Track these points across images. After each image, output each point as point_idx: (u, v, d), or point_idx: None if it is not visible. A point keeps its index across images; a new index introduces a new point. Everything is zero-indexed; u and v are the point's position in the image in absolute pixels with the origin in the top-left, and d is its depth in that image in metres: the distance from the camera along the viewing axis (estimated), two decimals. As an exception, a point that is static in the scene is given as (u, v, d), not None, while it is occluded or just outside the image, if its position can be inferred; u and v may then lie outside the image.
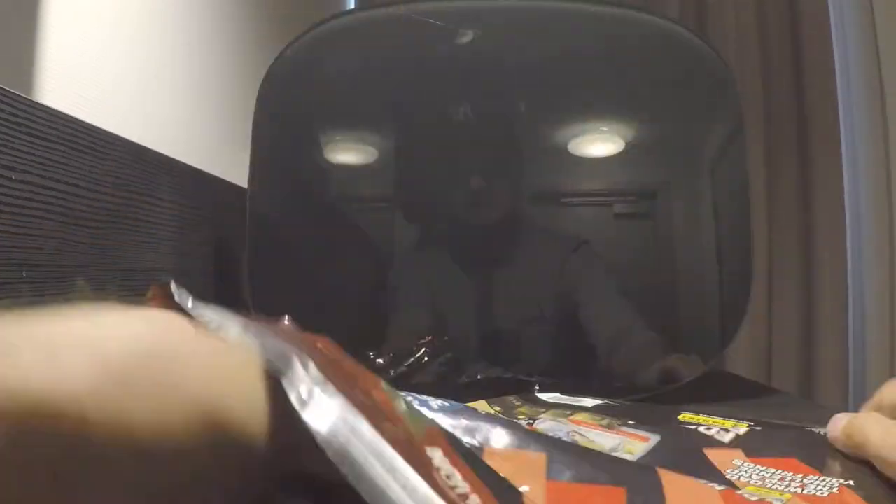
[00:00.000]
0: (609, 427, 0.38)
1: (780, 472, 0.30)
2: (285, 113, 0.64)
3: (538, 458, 0.27)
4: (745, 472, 0.30)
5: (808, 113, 1.46)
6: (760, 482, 0.29)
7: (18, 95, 0.41)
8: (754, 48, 1.48)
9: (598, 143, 0.62)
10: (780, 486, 0.29)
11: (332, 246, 0.64)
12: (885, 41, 1.37)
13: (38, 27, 0.48)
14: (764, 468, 0.31)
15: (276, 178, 0.64)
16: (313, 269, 0.63)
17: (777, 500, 0.27)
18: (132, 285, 0.54)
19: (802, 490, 0.28)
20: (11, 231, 0.40)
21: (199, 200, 0.67)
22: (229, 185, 0.74)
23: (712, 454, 0.33)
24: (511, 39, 0.62)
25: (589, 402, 0.47)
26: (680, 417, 0.41)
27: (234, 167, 0.71)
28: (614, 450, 0.35)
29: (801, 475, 0.29)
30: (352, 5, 1.50)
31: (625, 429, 0.38)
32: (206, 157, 0.73)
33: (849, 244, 1.43)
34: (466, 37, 0.60)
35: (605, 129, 0.62)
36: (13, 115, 0.40)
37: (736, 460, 0.32)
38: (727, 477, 0.30)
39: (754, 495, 0.27)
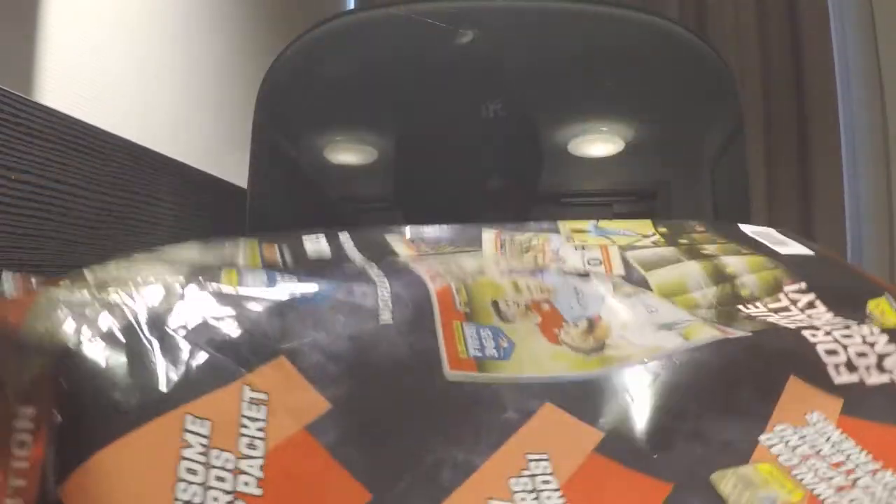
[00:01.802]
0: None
1: (861, 453, 0.23)
2: (285, 113, 0.64)
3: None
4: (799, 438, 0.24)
5: (808, 113, 1.46)
6: (791, 461, 0.23)
7: (18, 95, 0.41)
8: (754, 48, 1.48)
9: (598, 143, 0.62)
10: (815, 477, 0.22)
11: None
12: (885, 41, 1.37)
13: (37, 27, 0.48)
14: (840, 439, 0.23)
15: (275, 178, 0.64)
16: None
17: (779, 493, 0.22)
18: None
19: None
20: (11, 231, 0.40)
21: (199, 200, 0.67)
22: (229, 185, 0.74)
23: (796, 388, 0.25)
24: (511, 39, 0.62)
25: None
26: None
27: (234, 167, 0.71)
28: (675, 324, 0.29)
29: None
30: (352, 5, 1.50)
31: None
32: (206, 157, 0.73)
33: (849, 244, 1.43)
34: (466, 37, 0.60)
35: (605, 129, 0.62)
36: (13, 115, 0.40)
37: (814, 414, 0.24)
38: (762, 438, 0.24)
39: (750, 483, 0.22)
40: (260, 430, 0.22)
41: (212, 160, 0.73)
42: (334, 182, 0.65)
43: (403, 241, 0.37)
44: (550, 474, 0.22)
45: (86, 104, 0.53)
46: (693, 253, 0.36)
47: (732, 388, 0.25)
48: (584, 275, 0.32)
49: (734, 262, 0.34)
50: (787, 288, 0.32)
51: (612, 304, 0.30)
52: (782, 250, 0.36)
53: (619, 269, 0.35)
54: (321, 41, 0.64)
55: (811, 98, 1.45)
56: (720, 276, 0.33)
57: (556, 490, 0.22)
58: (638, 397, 0.25)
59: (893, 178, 1.37)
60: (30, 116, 0.42)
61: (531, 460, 0.23)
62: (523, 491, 0.22)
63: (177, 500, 0.20)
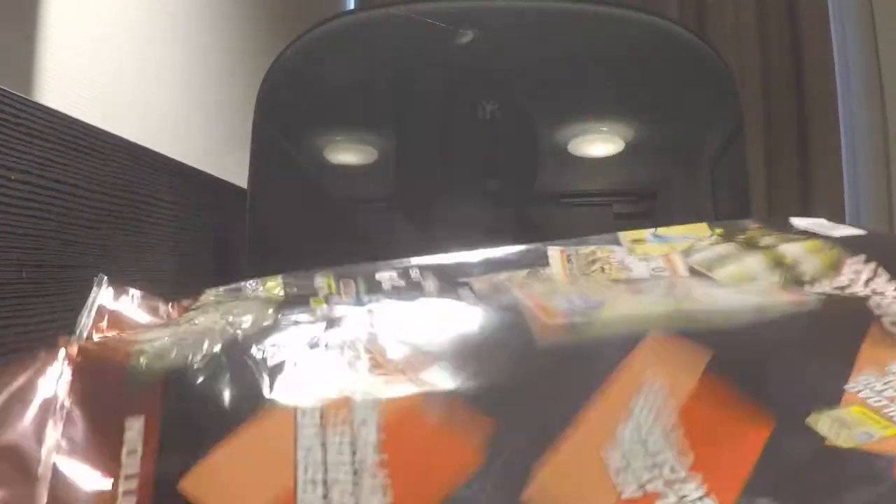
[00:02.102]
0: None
1: None
2: (285, 113, 0.64)
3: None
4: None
5: (808, 113, 1.46)
6: (880, 402, 0.24)
7: (18, 95, 0.41)
8: (754, 48, 1.48)
9: (598, 143, 0.62)
10: None
11: (333, 246, 0.64)
12: (885, 41, 1.37)
13: (37, 27, 0.48)
14: None
15: (275, 178, 0.64)
16: (313, 269, 0.63)
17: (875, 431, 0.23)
18: (132, 285, 0.54)
19: None
20: (11, 231, 0.40)
21: (199, 200, 0.67)
22: (229, 185, 0.74)
23: (873, 342, 0.26)
24: (511, 39, 0.62)
25: None
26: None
27: (234, 167, 0.71)
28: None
29: None
30: (352, 5, 1.50)
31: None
32: (206, 157, 0.73)
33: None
34: (466, 37, 0.60)
35: (605, 129, 0.62)
36: (13, 115, 0.40)
37: (892, 364, 0.25)
38: (847, 386, 0.24)
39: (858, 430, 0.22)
40: (373, 404, 0.24)
41: (212, 160, 0.73)
42: (334, 182, 0.65)
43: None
44: (665, 397, 0.23)
45: (86, 104, 0.53)
46: (751, 245, 0.37)
47: (817, 339, 0.27)
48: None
49: (792, 249, 0.35)
50: (848, 261, 0.33)
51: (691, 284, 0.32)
52: (836, 233, 0.37)
53: (684, 274, 0.36)
54: (321, 41, 0.64)
55: (811, 98, 1.45)
56: (780, 264, 0.35)
57: (673, 412, 0.23)
58: (738, 327, 0.26)
59: (893, 178, 1.37)
60: (30, 116, 0.42)
61: (649, 376, 0.24)
62: (642, 408, 0.23)
63: (300, 480, 0.22)
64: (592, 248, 0.40)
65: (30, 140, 0.42)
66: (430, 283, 0.36)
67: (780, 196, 1.45)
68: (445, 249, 0.60)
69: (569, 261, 0.39)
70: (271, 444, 0.23)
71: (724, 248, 0.37)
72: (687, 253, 0.37)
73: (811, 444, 0.22)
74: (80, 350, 0.26)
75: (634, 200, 0.63)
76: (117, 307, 0.37)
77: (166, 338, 0.28)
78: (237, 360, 0.26)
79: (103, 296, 0.37)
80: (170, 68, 0.70)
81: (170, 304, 0.40)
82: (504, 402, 0.24)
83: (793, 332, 0.27)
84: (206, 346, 0.27)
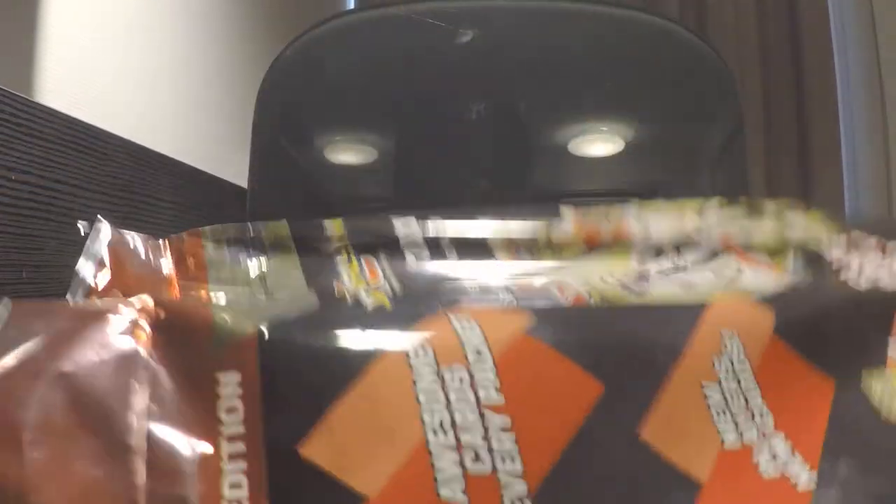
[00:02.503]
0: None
1: None
2: (285, 113, 0.64)
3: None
4: None
5: (808, 113, 1.46)
6: None
7: (18, 95, 0.41)
8: (754, 48, 1.48)
9: (598, 143, 0.62)
10: None
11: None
12: (885, 41, 1.37)
13: (38, 27, 0.48)
14: None
15: (275, 178, 0.64)
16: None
17: None
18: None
19: None
20: (11, 231, 0.40)
21: (199, 200, 0.67)
22: (229, 185, 0.74)
23: None
24: (511, 39, 0.62)
25: None
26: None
27: (234, 167, 0.71)
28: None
29: None
30: (352, 5, 1.50)
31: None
32: (206, 157, 0.73)
33: (849, 244, 1.43)
34: (466, 37, 0.60)
35: (605, 129, 0.62)
36: (13, 115, 0.40)
37: None
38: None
39: None
40: (480, 340, 0.23)
41: (212, 160, 0.73)
42: (335, 181, 0.65)
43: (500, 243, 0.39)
44: (744, 358, 0.25)
45: (86, 104, 0.53)
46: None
47: (860, 308, 0.29)
48: (683, 268, 0.36)
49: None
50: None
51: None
52: None
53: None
54: (321, 41, 0.64)
55: (811, 98, 1.45)
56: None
57: (751, 374, 0.24)
58: (794, 297, 0.28)
59: (893, 178, 1.37)
60: (30, 116, 0.42)
61: (725, 338, 0.25)
62: (725, 372, 0.24)
63: (426, 425, 0.21)
64: (604, 208, 0.41)
65: (30, 140, 0.42)
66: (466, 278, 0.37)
67: (780, 196, 1.45)
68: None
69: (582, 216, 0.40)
70: (390, 392, 0.22)
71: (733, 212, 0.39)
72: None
73: (869, 411, 0.24)
74: (161, 304, 0.24)
75: (634, 200, 0.63)
76: (119, 251, 0.35)
77: (243, 297, 0.27)
78: (335, 314, 0.26)
79: (104, 239, 0.35)
80: (170, 68, 0.70)
81: (162, 241, 0.39)
82: (609, 347, 0.24)
83: (837, 300, 0.29)
84: (298, 303, 0.26)
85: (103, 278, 0.33)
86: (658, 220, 0.39)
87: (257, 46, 0.92)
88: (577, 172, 0.62)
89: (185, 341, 0.23)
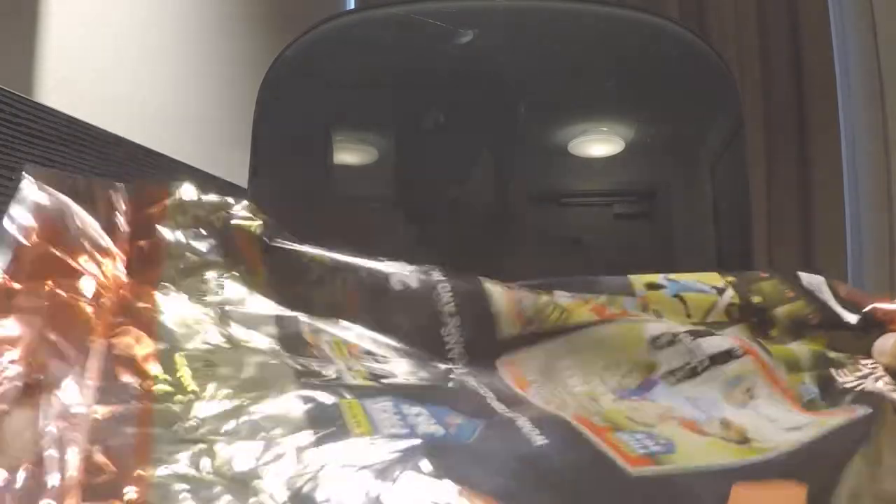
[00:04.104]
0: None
1: None
2: (285, 113, 0.64)
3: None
4: None
5: (808, 113, 1.46)
6: None
7: (18, 95, 0.41)
8: (754, 48, 1.48)
9: (598, 143, 0.62)
10: None
11: (332, 246, 0.64)
12: (885, 41, 1.37)
13: (38, 28, 0.48)
14: None
15: (276, 178, 0.64)
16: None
17: None
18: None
19: None
20: (11, 231, 0.40)
21: (199, 200, 0.67)
22: (229, 185, 0.74)
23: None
24: (511, 39, 0.62)
25: None
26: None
27: (234, 167, 0.71)
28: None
29: None
30: (352, 5, 1.50)
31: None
32: (207, 157, 0.73)
33: (848, 244, 1.43)
34: (466, 37, 0.60)
35: (605, 129, 0.62)
36: (13, 115, 0.40)
37: None
38: None
39: None
40: None
41: (212, 160, 0.73)
42: (335, 182, 0.65)
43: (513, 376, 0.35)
44: None
45: (86, 104, 0.53)
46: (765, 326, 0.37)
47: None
48: (691, 376, 0.32)
49: (803, 351, 0.35)
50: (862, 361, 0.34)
51: (730, 410, 0.30)
52: (838, 309, 0.38)
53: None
54: (321, 41, 0.64)
55: (811, 98, 1.46)
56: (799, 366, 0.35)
57: None
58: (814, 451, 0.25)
59: (893, 178, 1.37)
60: (30, 116, 0.42)
61: None
62: None
63: None
64: (603, 298, 0.39)
65: (30, 140, 0.42)
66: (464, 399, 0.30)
67: (780, 196, 1.45)
68: (445, 249, 0.61)
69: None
70: None
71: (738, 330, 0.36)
72: (703, 319, 0.37)
73: None
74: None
75: (634, 200, 0.63)
76: (53, 205, 0.29)
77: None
78: None
79: (32, 191, 0.29)
80: (170, 69, 0.70)
81: (118, 196, 0.32)
82: None
83: (849, 442, 0.26)
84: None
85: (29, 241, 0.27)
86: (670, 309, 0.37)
87: (257, 46, 0.92)
88: (576, 172, 0.62)
89: None
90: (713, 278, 0.39)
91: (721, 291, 0.38)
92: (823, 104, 1.44)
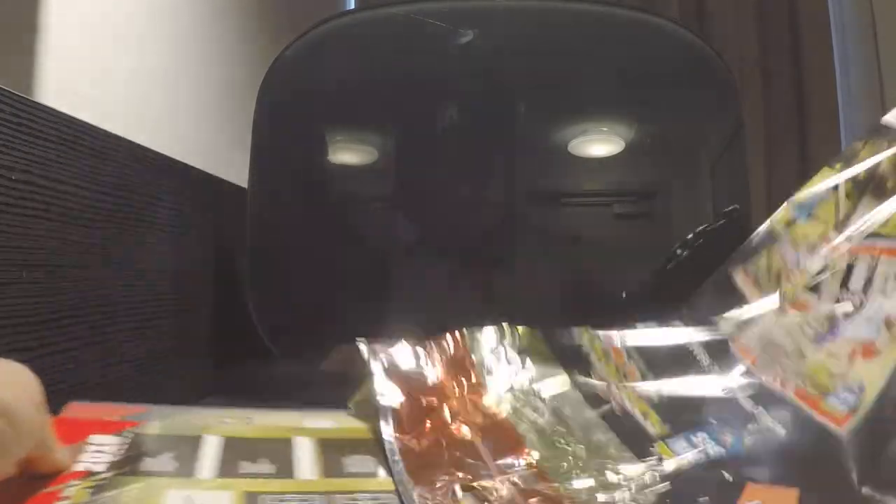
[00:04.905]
0: None
1: None
2: (285, 113, 0.64)
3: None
4: None
5: (807, 112, 1.46)
6: None
7: (18, 95, 0.41)
8: (754, 47, 1.48)
9: (598, 144, 0.62)
10: None
11: (332, 246, 0.64)
12: (885, 41, 1.37)
13: (38, 27, 0.48)
14: None
15: (275, 178, 0.64)
16: (312, 268, 0.63)
17: None
18: (132, 285, 0.54)
19: None
20: (11, 231, 0.40)
21: (199, 200, 0.67)
22: (229, 185, 0.74)
23: None
24: (511, 40, 0.62)
25: None
26: None
27: (234, 167, 0.71)
28: None
29: None
30: (352, 5, 1.50)
31: None
32: (206, 157, 0.73)
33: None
34: (466, 37, 0.60)
35: (605, 129, 0.62)
36: (13, 115, 0.40)
37: None
38: None
39: None
40: None
41: (212, 160, 0.73)
42: (335, 182, 0.65)
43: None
44: None
45: (86, 104, 0.53)
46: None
47: None
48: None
49: None
50: None
51: (888, 304, 0.34)
52: None
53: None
54: (321, 41, 0.64)
55: (811, 99, 1.45)
56: None
57: None
58: None
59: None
60: (30, 116, 0.42)
61: None
62: None
63: None
64: (763, 257, 0.44)
65: (30, 140, 0.42)
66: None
67: (780, 196, 1.45)
68: (444, 248, 0.61)
69: (756, 283, 0.43)
70: None
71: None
72: (841, 227, 0.40)
73: None
74: None
75: (634, 200, 0.63)
76: (392, 361, 0.40)
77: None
78: None
79: (372, 354, 0.40)
80: (170, 68, 0.70)
81: (428, 343, 0.43)
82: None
83: None
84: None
85: (396, 398, 0.37)
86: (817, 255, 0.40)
87: (258, 46, 0.92)
88: (576, 172, 0.62)
89: None
90: (823, 174, 0.44)
91: (836, 188, 0.43)
92: (824, 105, 1.44)
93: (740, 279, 0.43)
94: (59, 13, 0.50)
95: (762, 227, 0.46)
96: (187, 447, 0.30)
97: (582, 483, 0.32)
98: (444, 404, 0.39)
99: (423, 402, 0.38)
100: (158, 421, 0.33)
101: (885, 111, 0.41)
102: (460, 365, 0.43)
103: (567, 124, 0.61)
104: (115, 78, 0.59)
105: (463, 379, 0.42)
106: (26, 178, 0.42)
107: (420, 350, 0.43)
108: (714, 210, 0.62)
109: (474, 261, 0.61)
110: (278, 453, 0.31)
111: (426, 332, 0.45)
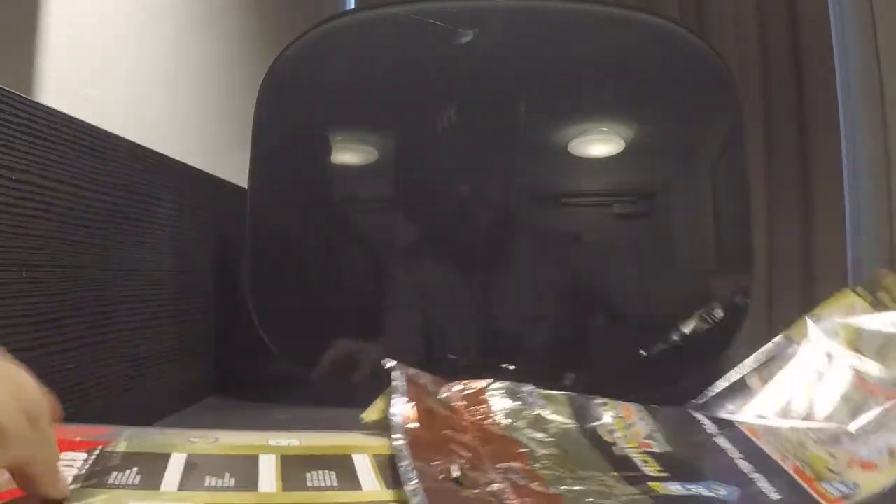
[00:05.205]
0: None
1: None
2: (285, 113, 0.64)
3: None
4: None
5: (808, 112, 1.46)
6: None
7: (18, 95, 0.41)
8: (754, 47, 1.48)
9: (598, 143, 0.62)
10: None
11: (333, 246, 0.64)
12: (885, 41, 1.37)
13: (38, 27, 0.48)
14: None
15: (276, 178, 0.64)
16: (313, 269, 0.63)
17: None
18: (132, 285, 0.54)
19: None
20: (11, 231, 0.40)
21: (199, 200, 0.67)
22: (229, 185, 0.74)
23: None
24: (511, 40, 0.62)
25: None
26: None
27: (234, 167, 0.71)
28: None
29: None
30: (352, 5, 1.50)
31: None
32: (206, 157, 0.73)
33: (848, 244, 1.43)
34: (466, 37, 0.60)
35: (605, 129, 0.62)
36: (13, 115, 0.40)
37: None
38: None
39: None
40: None
41: (212, 160, 0.73)
42: (335, 182, 0.65)
43: None
44: None
45: (86, 104, 0.53)
46: None
47: None
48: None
49: None
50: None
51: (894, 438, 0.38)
52: None
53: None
54: (321, 41, 0.64)
55: (811, 99, 1.45)
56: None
57: None
58: None
59: (894, 179, 1.37)
60: (30, 116, 0.42)
61: None
62: None
63: None
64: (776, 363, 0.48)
65: (30, 140, 0.42)
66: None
67: (780, 196, 1.45)
68: (444, 248, 0.61)
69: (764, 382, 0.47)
70: None
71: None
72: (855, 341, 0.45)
73: None
74: None
75: (634, 200, 0.63)
76: (415, 389, 0.42)
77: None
78: None
79: (400, 380, 0.42)
80: (171, 68, 0.70)
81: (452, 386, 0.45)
82: None
83: None
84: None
85: (407, 413, 0.38)
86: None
87: (258, 46, 0.92)
88: (576, 172, 0.62)
89: None
90: (845, 296, 0.49)
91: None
92: (823, 106, 1.44)
93: (755, 383, 0.48)
94: (59, 13, 0.50)
95: (777, 338, 0.49)
96: (154, 463, 0.31)
97: (577, 487, 0.34)
98: (454, 420, 0.42)
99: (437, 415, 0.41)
100: (126, 440, 0.33)
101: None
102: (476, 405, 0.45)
103: (567, 124, 0.61)
104: (115, 78, 0.59)
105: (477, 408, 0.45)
106: (26, 178, 0.42)
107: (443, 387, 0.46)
108: (714, 210, 0.62)
109: (474, 260, 0.62)
110: (243, 469, 0.31)
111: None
